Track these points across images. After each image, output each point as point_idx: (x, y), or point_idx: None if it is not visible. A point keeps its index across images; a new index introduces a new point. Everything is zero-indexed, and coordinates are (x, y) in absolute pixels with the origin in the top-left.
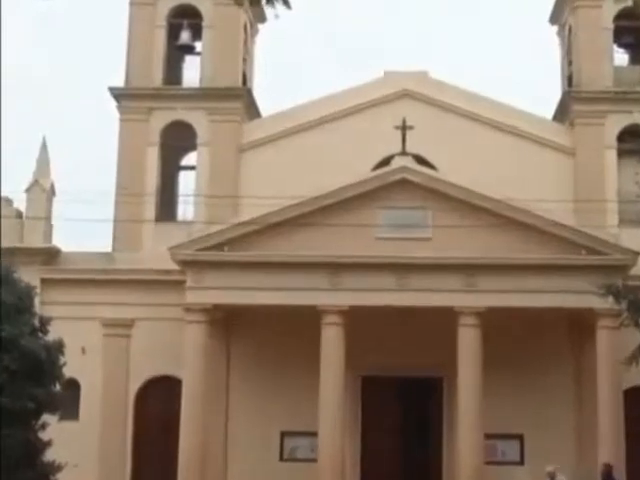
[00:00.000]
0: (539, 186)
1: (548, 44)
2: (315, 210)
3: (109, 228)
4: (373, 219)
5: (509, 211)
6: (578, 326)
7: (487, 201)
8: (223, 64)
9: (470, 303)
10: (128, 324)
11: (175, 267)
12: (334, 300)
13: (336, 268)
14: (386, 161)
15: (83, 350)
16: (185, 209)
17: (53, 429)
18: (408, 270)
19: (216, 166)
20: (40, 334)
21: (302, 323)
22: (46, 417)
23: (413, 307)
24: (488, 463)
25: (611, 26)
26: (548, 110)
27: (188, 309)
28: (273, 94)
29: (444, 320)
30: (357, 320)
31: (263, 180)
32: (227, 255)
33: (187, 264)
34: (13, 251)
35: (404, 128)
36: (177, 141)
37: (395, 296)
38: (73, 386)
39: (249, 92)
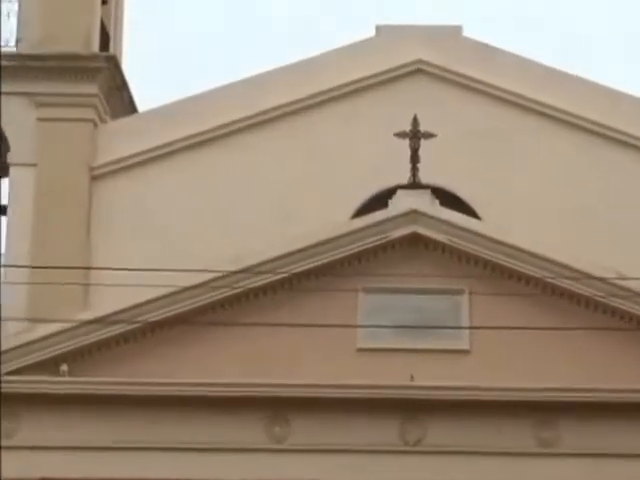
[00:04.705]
0: None
1: None
2: (241, 295)
3: None
4: (354, 315)
5: (620, 300)
6: None
7: (578, 280)
8: (61, 12)
9: (546, 476)
10: None
11: None
12: (279, 471)
13: (282, 409)
14: (381, 199)
15: None
16: None
17: None
18: (422, 412)
19: (47, 207)
20: None
21: None
22: None
23: None
24: None
25: None
26: None
27: None
28: (172, 76)
29: None
30: None
31: (138, 234)
32: (66, 383)
33: None
34: None
35: (415, 136)
36: None
37: (399, 462)
38: None
39: (114, 64)
